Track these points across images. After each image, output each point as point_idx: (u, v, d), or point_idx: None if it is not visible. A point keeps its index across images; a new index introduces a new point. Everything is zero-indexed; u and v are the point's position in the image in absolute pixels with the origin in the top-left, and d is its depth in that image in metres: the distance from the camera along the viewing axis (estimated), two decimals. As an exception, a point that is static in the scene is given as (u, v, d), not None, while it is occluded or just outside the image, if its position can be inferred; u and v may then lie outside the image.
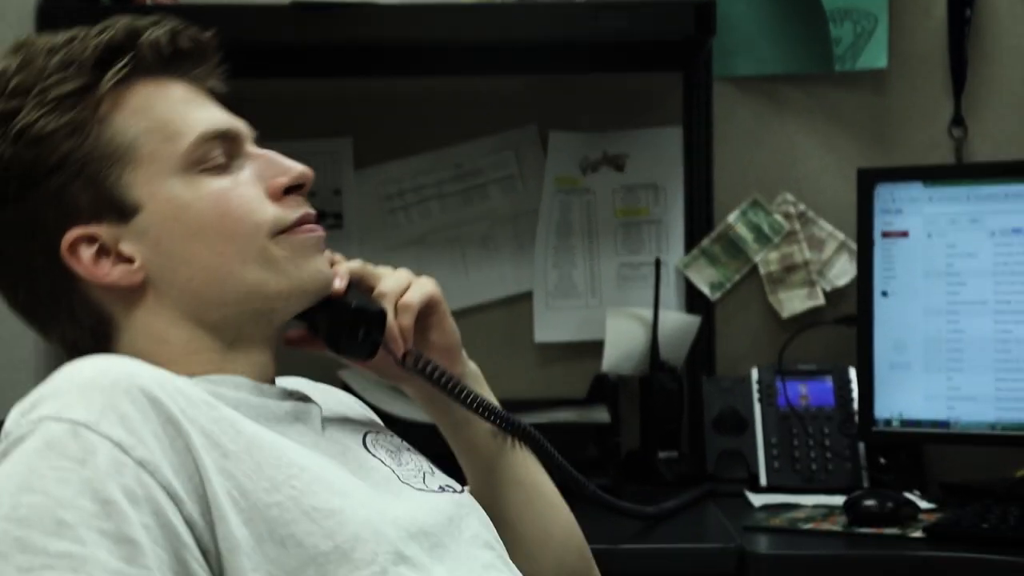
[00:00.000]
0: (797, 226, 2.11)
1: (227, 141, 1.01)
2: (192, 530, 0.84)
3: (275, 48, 1.99)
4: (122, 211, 0.97)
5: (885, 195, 1.89)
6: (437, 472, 1.10)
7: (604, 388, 2.05)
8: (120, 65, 0.97)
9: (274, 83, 2.10)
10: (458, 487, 1.09)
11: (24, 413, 0.85)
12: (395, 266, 2.07)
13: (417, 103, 2.14)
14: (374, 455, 1.05)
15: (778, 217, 2.11)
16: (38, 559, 0.78)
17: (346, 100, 2.13)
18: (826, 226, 2.10)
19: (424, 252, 2.13)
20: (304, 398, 1.05)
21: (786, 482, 1.91)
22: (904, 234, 1.88)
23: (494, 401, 1.20)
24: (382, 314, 1.08)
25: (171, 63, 1.01)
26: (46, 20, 1.73)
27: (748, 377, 2.01)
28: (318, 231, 1.05)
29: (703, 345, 2.10)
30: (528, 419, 1.90)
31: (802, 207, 2.11)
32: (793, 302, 2.10)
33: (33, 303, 1.01)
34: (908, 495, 1.76)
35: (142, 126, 0.98)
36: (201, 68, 1.04)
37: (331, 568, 0.87)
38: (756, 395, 1.99)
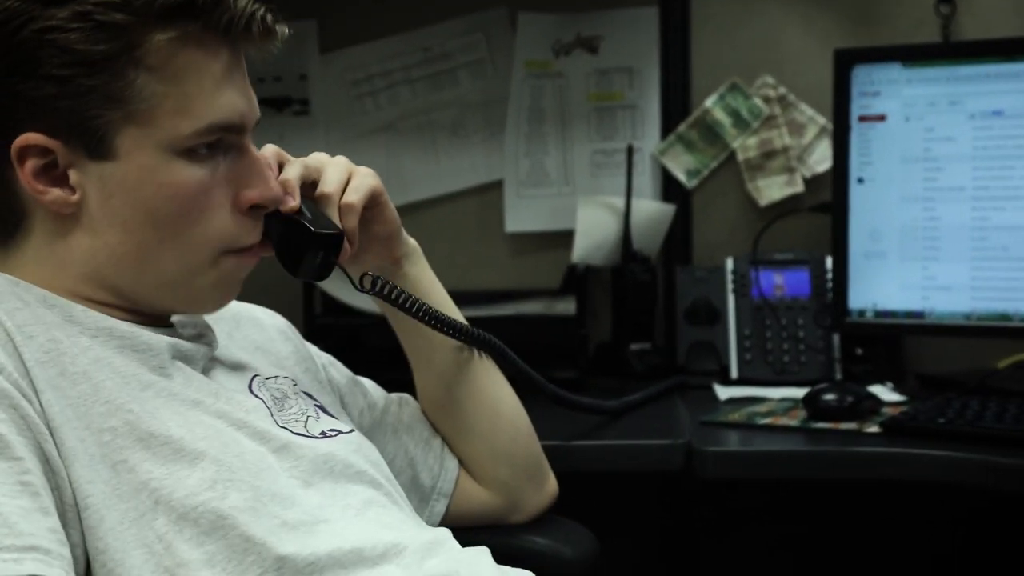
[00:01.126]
0: (777, 110, 2.03)
1: (229, 131, 0.98)
2: (43, 424, 0.85)
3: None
4: (96, 148, 0.94)
5: (863, 77, 1.81)
6: (323, 417, 1.09)
7: (577, 280, 2.01)
8: (185, 36, 0.94)
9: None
10: (345, 429, 1.08)
11: None
12: (364, 153, 2.06)
13: (384, -16, 2.07)
14: (257, 396, 1.04)
15: (757, 101, 2.03)
16: None
17: (311, -20, 2.06)
18: (807, 110, 2.03)
19: (393, 139, 2.08)
20: (199, 335, 1.05)
21: (757, 375, 1.87)
22: (881, 118, 1.81)
23: (449, 309, 1.24)
24: (339, 236, 1.07)
25: (233, 34, 0.97)
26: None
27: (723, 267, 1.96)
28: (253, 263, 1.04)
29: (678, 234, 2.05)
30: (495, 312, 1.90)
31: (782, 90, 2.03)
32: (772, 189, 2.04)
33: None
34: (876, 388, 1.73)
35: (164, 90, 0.94)
36: (255, 45, 1.00)
37: (164, 493, 0.87)
38: (730, 285, 1.94)
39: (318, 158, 1.14)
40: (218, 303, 1.04)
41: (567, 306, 1.89)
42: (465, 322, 1.24)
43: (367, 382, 1.28)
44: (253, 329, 1.16)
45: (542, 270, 2.08)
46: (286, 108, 2.07)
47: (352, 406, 1.22)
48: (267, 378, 1.08)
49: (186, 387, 0.97)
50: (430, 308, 1.18)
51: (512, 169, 2.07)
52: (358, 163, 2.01)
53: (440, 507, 1.24)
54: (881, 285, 1.81)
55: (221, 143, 0.97)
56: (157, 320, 1.02)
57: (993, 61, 1.74)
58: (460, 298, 2.01)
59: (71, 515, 0.85)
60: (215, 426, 0.95)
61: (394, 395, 1.29)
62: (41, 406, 0.86)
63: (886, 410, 1.58)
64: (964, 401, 1.51)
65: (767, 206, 2.03)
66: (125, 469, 0.87)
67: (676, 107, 2.05)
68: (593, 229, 1.99)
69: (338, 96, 2.07)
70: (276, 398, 1.06)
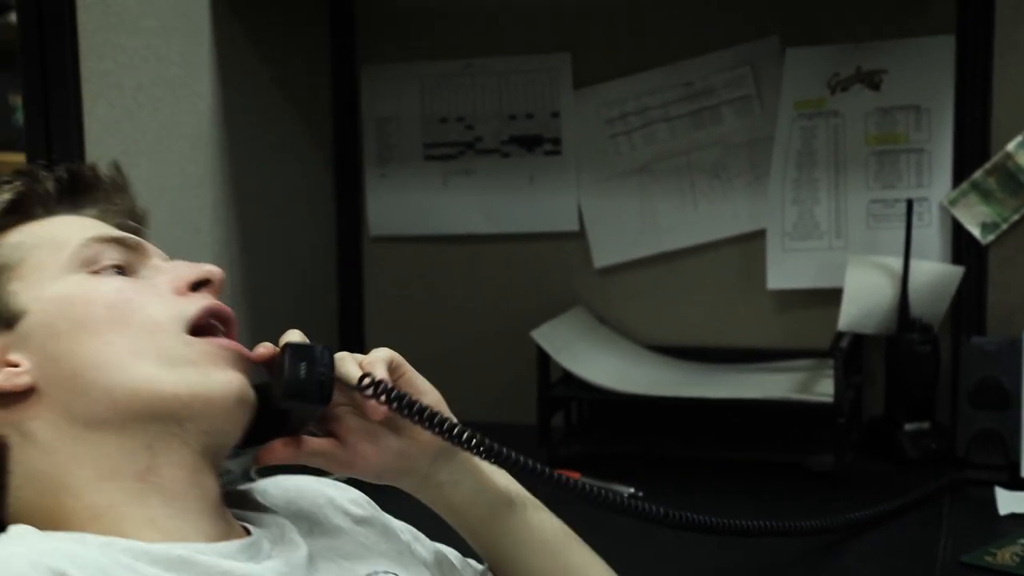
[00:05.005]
0: (1097, 156, 1.73)
1: (125, 248, 0.91)
2: None
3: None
4: (7, 320, 0.87)
5: None
6: None
7: (841, 348, 1.80)
8: (7, 189, 0.92)
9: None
10: None
11: None
12: (616, 196, 1.91)
13: (642, 13, 1.89)
14: None
15: (1073, 145, 1.74)
16: None
17: (564, 11, 1.92)
18: None
19: (648, 182, 1.92)
20: (281, 537, 0.91)
21: (1052, 477, 1.60)
22: None
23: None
24: (327, 349, 0.91)
25: (77, 199, 0.94)
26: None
27: (1019, 341, 1.69)
28: (232, 345, 0.90)
29: (970, 298, 1.79)
30: (746, 386, 1.72)
31: (1105, 132, 1.73)
32: (1086, 249, 1.74)
33: None
34: None
35: (30, 243, 0.91)
36: (113, 206, 0.96)
37: None
38: (1026, 364, 1.67)
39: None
40: (224, 384, 0.88)
41: (829, 384, 1.68)
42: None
43: (444, 549, 1.10)
44: (329, 512, 1.02)
45: (810, 330, 1.87)
46: (537, 148, 1.95)
47: None
48: (372, 573, 0.95)
49: None
50: (465, 428, 0.94)
51: (777, 219, 1.86)
52: (612, 207, 1.90)
53: None
54: None
55: (127, 263, 0.91)
56: (226, 533, 0.88)
57: None
58: (719, 355, 1.89)
59: None
60: None
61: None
62: None
63: None
64: None
65: (1079, 269, 1.74)
66: None
67: (972, 151, 1.78)
68: (863, 294, 1.77)
69: (591, 135, 1.93)
70: None
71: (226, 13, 1.66)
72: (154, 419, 0.85)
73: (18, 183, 0.94)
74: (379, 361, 0.93)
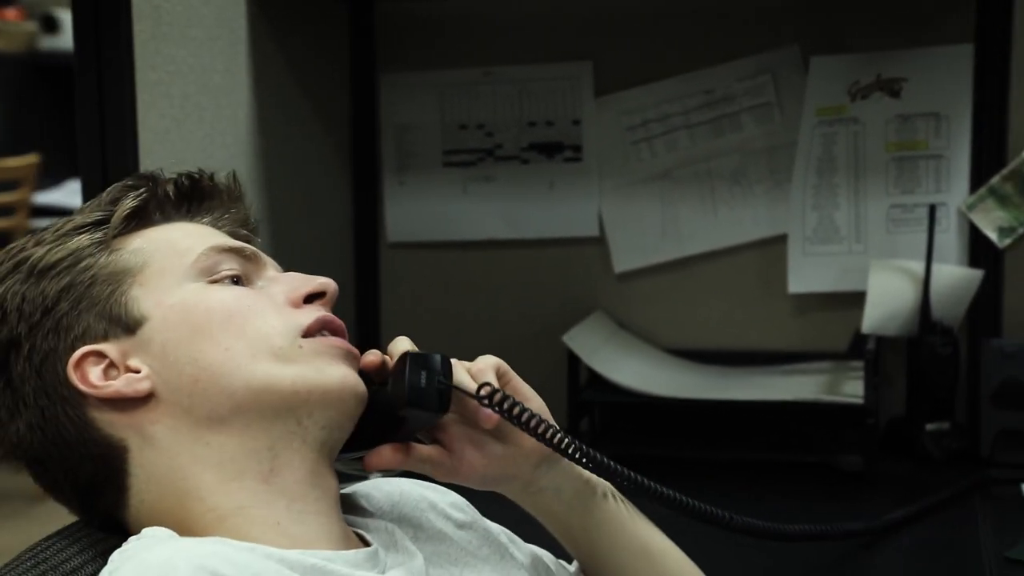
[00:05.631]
0: (1111, 162, 1.78)
1: (242, 258, 0.93)
2: None
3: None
4: (128, 326, 0.90)
5: None
6: None
7: (866, 346, 1.83)
8: (133, 196, 0.94)
9: (512, 4, 1.95)
10: None
11: None
12: (637, 203, 1.93)
13: (663, 22, 1.92)
14: None
15: (1087, 151, 1.78)
16: None
17: (585, 20, 1.94)
18: None
19: (669, 188, 1.94)
20: (393, 543, 0.93)
21: (1075, 475, 1.64)
22: None
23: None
24: (446, 359, 0.93)
25: (193, 206, 0.97)
26: None
27: (1038, 342, 1.73)
28: (344, 344, 0.92)
29: (986, 301, 1.83)
30: (769, 388, 1.75)
31: (1118, 139, 1.78)
32: (1100, 253, 1.79)
33: (46, 449, 0.91)
34: None
35: (151, 248, 0.93)
36: (227, 214, 0.99)
37: None
38: (1046, 365, 1.71)
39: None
40: (339, 376, 0.90)
41: (854, 385, 1.71)
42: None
43: (539, 551, 1.11)
44: (432, 516, 1.04)
45: (828, 332, 1.91)
46: (557, 155, 1.97)
47: None
48: (432, 558, 0.97)
49: None
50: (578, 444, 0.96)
51: (798, 224, 1.89)
52: (633, 213, 1.92)
53: None
54: None
55: (245, 273, 0.94)
56: (345, 538, 0.90)
57: None
58: (739, 358, 1.92)
59: None
60: None
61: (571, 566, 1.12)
62: None
63: None
64: None
65: (1093, 272, 1.79)
66: None
67: (990, 157, 1.82)
68: (886, 297, 1.80)
69: (612, 142, 1.95)
70: None
71: (260, 22, 1.67)
72: (275, 417, 0.88)
73: (142, 189, 0.96)
74: (488, 368, 0.95)
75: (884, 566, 1.40)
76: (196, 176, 0.99)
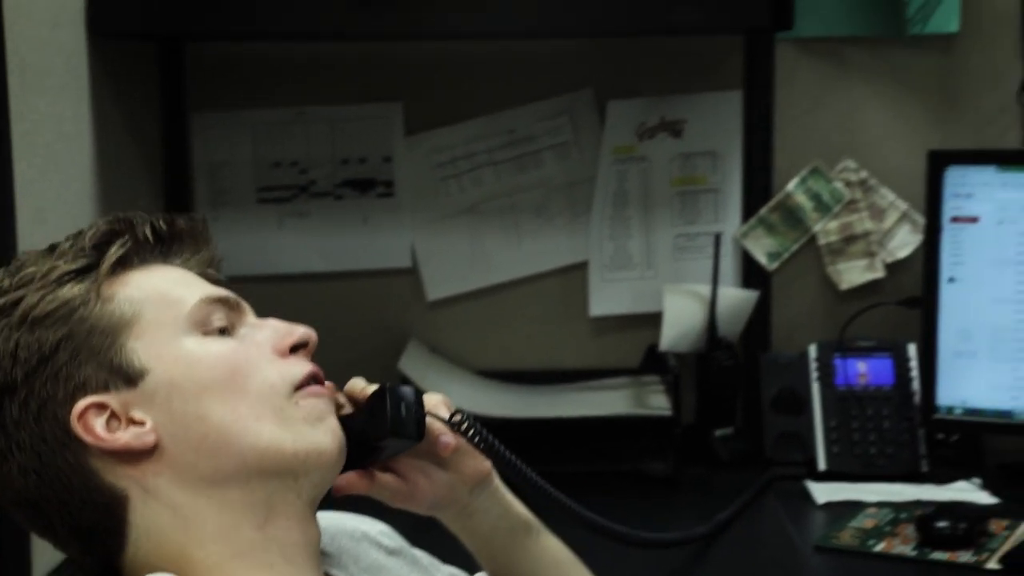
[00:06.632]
0: (858, 194, 2.05)
1: (228, 307, 0.99)
2: None
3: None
4: (129, 377, 0.93)
5: (956, 179, 1.84)
6: None
7: (657, 360, 2.04)
8: (119, 243, 0.96)
9: (323, 47, 2.03)
10: None
11: None
12: (447, 235, 2.06)
13: (469, 66, 2.06)
14: None
15: (838, 185, 2.05)
16: None
17: (396, 64, 2.06)
18: (888, 195, 2.05)
19: (477, 221, 2.09)
20: None
21: (845, 468, 1.89)
22: (974, 220, 1.83)
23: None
24: (419, 392, 1.04)
25: (166, 248, 1.00)
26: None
27: (806, 354, 1.98)
28: (325, 392, 1.01)
29: (759, 317, 2.07)
30: (577, 404, 1.92)
31: (864, 174, 2.05)
32: (852, 273, 2.06)
33: (42, 492, 0.94)
34: (963, 484, 1.81)
35: (143, 297, 0.96)
36: (196, 255, 1.02)
37: None
38: (814, 374, 1.96)
39: None
40: (326, 442, 0.98)
41: (658, 399, 1.91)
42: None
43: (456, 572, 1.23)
44: (366, 546, 1.14)
45: (623, 350, 2.10)
46: (370, 190, 2.08)
47: None
48: None
49: None
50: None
51: (596, 252, 2.08)
52: (443, 245, 2.05)
53: None
54: (970, 383, 1.85)
55: (231, 321, 0.99)
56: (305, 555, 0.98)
57: (1089, 169, 1.77)
58: (545, 377, 2.08)
59: None
60: None
61: None
62: None
63: (992, 527, 1.61)
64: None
65: (847, 290, 2.06)
66: None
67: (758, 191, 2.07)
68: (680, 318, 2.02)
69: (423, 178, 2.08)
70: None
71: (99, 64, 1.70)
72: (277, 475, 0.94)
73: (126, 237, 0.98)
74: (440, 403, 1.06)
75: (722, 563, 1.57)
76: (170, 220, 1.01)
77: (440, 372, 2.01)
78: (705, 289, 2.01)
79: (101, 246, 0.97)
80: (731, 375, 2.01)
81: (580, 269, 2.10)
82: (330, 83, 2.07)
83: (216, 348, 0.96)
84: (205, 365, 0.94)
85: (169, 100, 2.04)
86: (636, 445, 1.91)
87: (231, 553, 0.93)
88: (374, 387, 1.04)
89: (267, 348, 0.98)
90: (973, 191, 1.83)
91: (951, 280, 1.85)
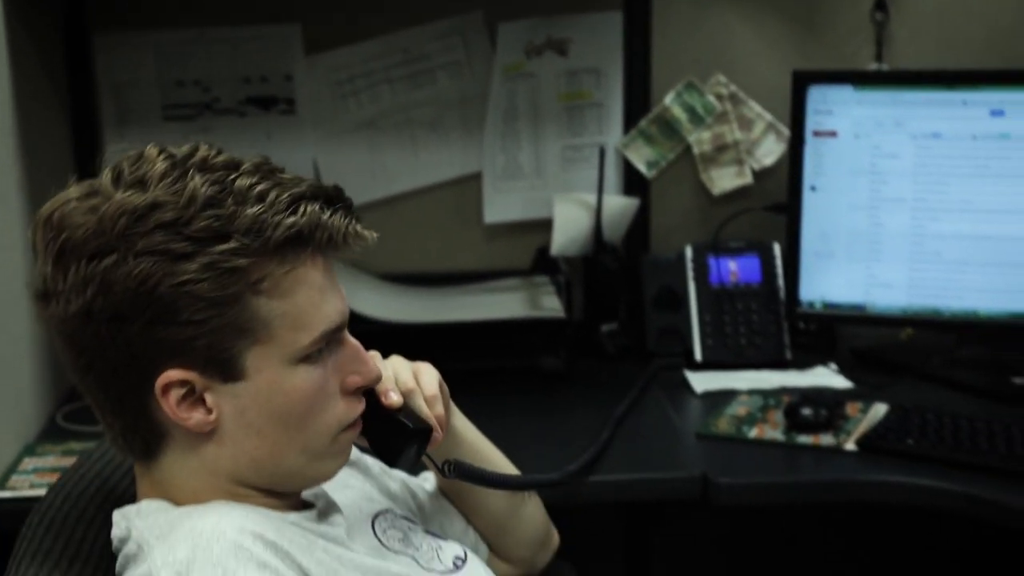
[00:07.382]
0: (728, 107, 2.23)
1: (337, 340, 1.09)
2: None
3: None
4: (227, 374, 1.04)
5: (818, 96, 2.02)
6: (440, 542, 1.25)
7: (546, 261, 2.21)
8: (294, 258, 1.03)
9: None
10: (460, 550, 1.26)
11: None
12: (347, 149, 2.17)
13: (365, -13, 2.16)
14: (401, 552, 1.20)
15: (710, 98, 2.22)
16: None
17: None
18: (755, 107, 2.23)
19: (375, 135, 2.20)
20: (329, 508, 1.18)
21: (719, 358, 2.10)
22: (833, 134, 2.02)
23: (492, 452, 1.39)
24: (429, 430, 1.20)
25: (330, 248, 1.07)
26: None
27: (683, 255, 2.17)
28: (358, 428, 1.14)
29: (640, 222, 2.25)
30: (477, 307, 2.07)
31: (733, 88, 2.23)
32: (723, 180, 2.25)
33: (104, 393, 1.06)
34: (821, 369, 2.04)
35: (281, 310, 1.03)
36: (346, 251, 1.09)
37: None
38: (691, 273, 2.16)
39: (388, 363, 1.23)
40: (336, 471, 1.15)
41: (551, 300, 2.08)
42: (504, 459, 1.41)
43: (404, 476, 1.39)
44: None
45: (515, 254, 2.26)
46: (273, 107, 2.17)
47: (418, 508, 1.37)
48: (376, 515, 1.24)
49: (367, 559, 1.14)
50: (498, 476, 1.34)
51: (490, 164, 2.22)
52: (343, 158, 2.16)
53: None
54: (829, 281, 2.06)
55: (329, 341, 1.08)
56: (295, 504, 1.15)
57: (933, 89, 1.97)
58: (442, 279, 2.23)
59: None
60: None
61: (425, 484, 1.41)
62: None
63: (848, 411, 1.83)
64: (936, 420, 1.76)
65: (719, 196, 2.25)
66: None
67: (638, 104, 2.23)
68: (569, 224, 2.18)
69: (322, 95, 2.18)
70: (403, 538, 1.22)
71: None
72: (288, 480, 1.13)
73: (314, 207, 1.04)
74: (436, 398, 1.24)
75: (616, 456, 1.75)
76: (356, 231, 1.08)
77: (345, 277, 2.12)
78: (591, 197, 2.18)
79: (283, 247, 1.02)
80: (616, 276, 2.19)
81: (474, 180, 2.24)
82: (231, 3, 2.14)
83: (305, 383, 1.06)
84: (291, 399, 1.06)
85: (71, 22, 2.09)
86: (530, 342, 2.09)
87: (242, 494, 1.10)
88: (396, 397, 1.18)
89: (339, 382, 1.10)
90: (832, 108, 2.02)
91: (813, 188, 2.05)
